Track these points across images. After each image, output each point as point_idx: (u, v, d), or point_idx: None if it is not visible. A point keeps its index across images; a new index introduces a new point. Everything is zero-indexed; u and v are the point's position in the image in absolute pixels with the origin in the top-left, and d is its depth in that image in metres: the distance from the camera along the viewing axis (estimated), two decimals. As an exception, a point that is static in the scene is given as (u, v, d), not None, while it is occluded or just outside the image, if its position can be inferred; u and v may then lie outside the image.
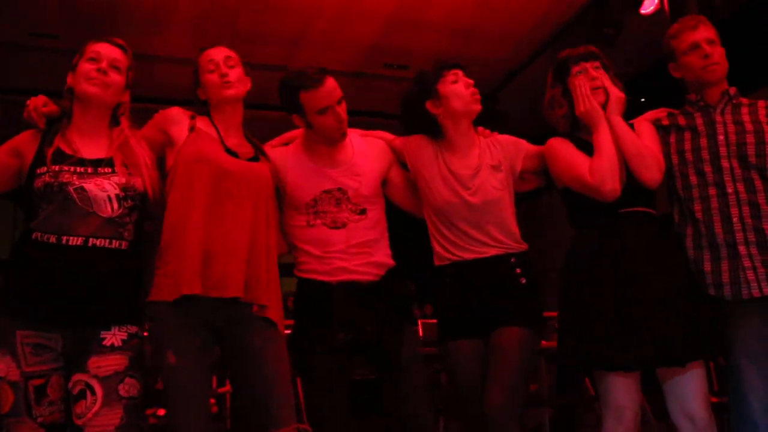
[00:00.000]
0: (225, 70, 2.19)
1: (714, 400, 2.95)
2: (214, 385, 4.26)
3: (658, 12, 5.01)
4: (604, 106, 2.22)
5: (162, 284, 2.00)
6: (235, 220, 2.06)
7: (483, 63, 6.37)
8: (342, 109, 2.27)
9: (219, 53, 2.23)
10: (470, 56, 6.34)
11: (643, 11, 5.14)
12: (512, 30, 5.93)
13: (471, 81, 2.35)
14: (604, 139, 2.17)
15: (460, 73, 2.35)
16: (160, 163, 2.18)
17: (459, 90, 2.32)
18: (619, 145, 2.17)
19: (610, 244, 2.13)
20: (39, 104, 2.04)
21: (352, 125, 2.41)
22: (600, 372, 2.14)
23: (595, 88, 2.24)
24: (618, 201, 2.14)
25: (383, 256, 2.32)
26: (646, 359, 2.01)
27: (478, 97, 2.34)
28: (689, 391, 2.08)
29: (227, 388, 4.22)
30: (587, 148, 2.21)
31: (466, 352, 2.26)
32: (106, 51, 2.05)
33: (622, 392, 2.11)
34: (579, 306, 2.13)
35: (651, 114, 2.39)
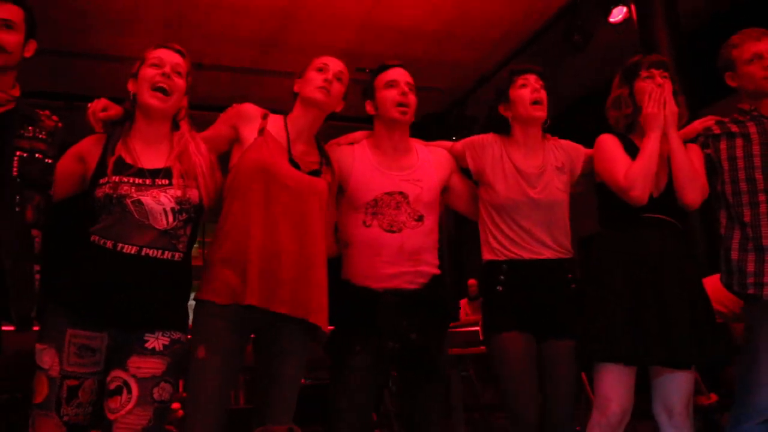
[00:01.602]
0: (331, 78, 2.22)
1: (715, 397, 3.07)
2: (181, 389, 4.22)
3: (627, 20, 5.11)
4: None
5: (212, 287, 2.02)
6: (286, 233, 2.07)
7: (455, 67, 6.45)
8: (410, 96, 2.35)
9: (336, 64, 2.28)
10: (442, 60, 6.41)
11: (612, 20, 5.23)
12: (485, 35, 5.99)
13: (538, 86, 2.39)
14: (651, 146, 2.22)
15: (531, 78, 2.40)
16: (224, 159, 2.19)
17: (524, 96, 2.38)
18: (672, 159, 2.23)
19: (633, 248, 2.20)
20: (98, 109, 2.05)
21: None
22: (598, 365, 2.19)
23: (536, 101, 2.33)
24: (650, 207, 2.20)
25: (431, 265, 2.34)
26: (654, 359, 2.09)
27: (541, 104, 2.38)
28: (674, 388, 2.16)
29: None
30: (634, 151, 2.27)
31: (521, 343, 2.27)
32: (168, 57, 2.07)
33: (612, 386, 2.15)
34: (604, 299, 2.18)
35: (700, 123, 2.44)
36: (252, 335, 2.12)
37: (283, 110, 2.32)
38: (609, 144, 2.33)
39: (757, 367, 2.13)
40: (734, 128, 2.33)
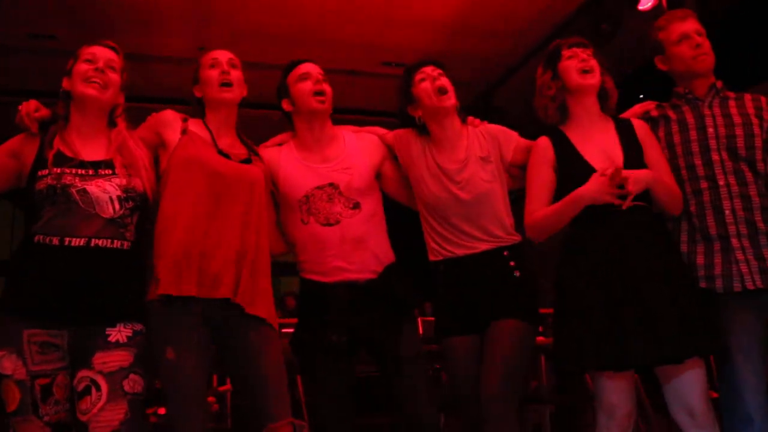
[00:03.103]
0: (227, 68, 2.21)
1: (714, 395, 2.97)
2: (215, 383, 4.26)
3: (656, 8, 5.01)
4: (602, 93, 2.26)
5: (161, 283, 2.01)
6: (226, 221, 2.08)
7: (481, 60, 6.38)
8: (324, 85, 2.34)
9: (223, 54, 2.28)
10: (468, 53, 6.36)
11: (641, 7, 5.13)
12: (511, 27, 5.92)
13: (436, 74, 2.33)
14: (560, 207, 2.17)
15: (427, 70, 2.34)
16: (155, 164, 2.20)
17: (426, 88, 2.31)
18: (654, 194, 2.15)
19: (604, 242, 2.12)
20: (31, 109, 2.05)
21: (350, 123, 2.42)
22: (594, 374, 2.15)
23: (585, 70, 2.24)
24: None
25: (381, 251, 2.32)
26: (639, 358, 2.00)
27: (446, 92, 2.31)
28: (688, 386, 2.08)
29: (228, 386, 4.23)
30: (569, 152, 2.21)
31: (462, 349, 2.26)
32: (101, 52, 2.08)
33: (614, 391, 2.11)
34: (573, 304, 2.13)
35: (639, 107, 2.39)
36: (214, 343, 2.10)
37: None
38: (534, 166, 2.26)
39: (734, 370, 2.06)
40: (671, 113, 2.26)
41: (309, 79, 2.35)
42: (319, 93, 2.34)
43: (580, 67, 2.25)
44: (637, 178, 2.07)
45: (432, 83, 2.32)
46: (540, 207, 2.22)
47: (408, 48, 6.04)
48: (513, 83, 6.77)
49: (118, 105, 2.13)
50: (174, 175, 2.12)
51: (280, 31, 5.63)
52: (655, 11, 5.00)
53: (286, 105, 2.41)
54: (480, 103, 7.23)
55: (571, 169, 2.21)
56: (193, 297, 1.99)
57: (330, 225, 2.26)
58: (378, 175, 2.44)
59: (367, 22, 5.66)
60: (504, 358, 2.16)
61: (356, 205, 2.29)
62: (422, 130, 2.39)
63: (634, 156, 2.20)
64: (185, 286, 1.97)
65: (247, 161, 2.23)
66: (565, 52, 2.29)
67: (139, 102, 2.30)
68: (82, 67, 2.06)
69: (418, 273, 2.38)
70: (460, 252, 2.29)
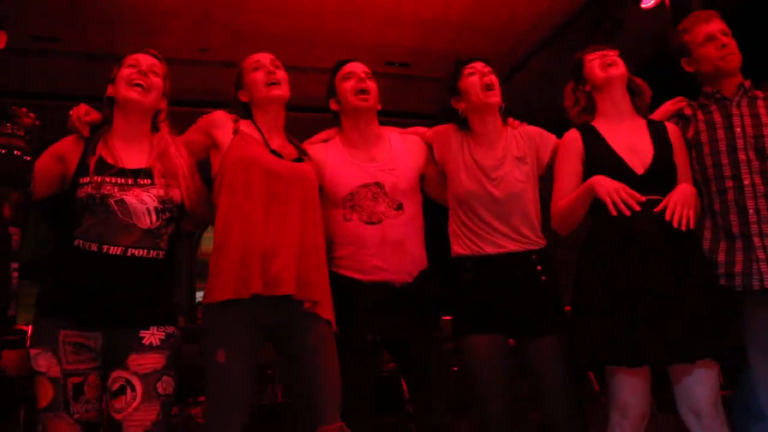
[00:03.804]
0: (272, 68, 2.25)
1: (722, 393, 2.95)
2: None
3: (659, 6, 5.00)
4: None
5: (219, 285, 2.02)
6: (285, 220, 2.09)
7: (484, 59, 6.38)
8: (368, 83, 2.38)
9: (265, 56, 2.31)
10: (471, 52, 6.35)
11: (644, 5, 5.13)
12: (513, 26, 5.91)
13: (486, 71, 2.37)
14: (577, 194, 2.18)
15: (477, 65, 2.38)
16: (204, 166, 2.23)
17: (474, 82, 2.34)
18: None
19: (620, 238, 2.11)
20: (81, 113, 2.10)
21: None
22: (609, 368, 2.13)
23: (608, 63, 2.28)
24: (634, 188, 2.12)
25: (417, 255, 2.33)
26: (651, 356, 1.99)
27: (493, 89, 2.35)
28: (697, 387, 2.06)
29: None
30: (597, 144, 2.21)
31: (486, 348, 2.24)
32: (144, 59, 2.14)
33: (628, 390, 2.10)
34: (587, 300, 2.12)
35: (672, 103, 2.39)
36: (270, 341, 2.12)
37: (316, 106, 2.33)
38: (562, 158, 2.29)
39: (750, 368, 2.06)
40: (699, 113, 2.26)
41: (353, 78, 2.39)
42: (362, 91, 2.37)
43: (603, 61, 2.28)
44: (684, 201, 2.07)
45: (480, 78, 2.36)
46: (564, 198, 2.23)
47: (409, 47, 6.05)
48: (515, 83, 6.77)
49: (161, 110, 2.17)
50: (229, 176, 2.13)
51: (280, 32, 5.63)
52: (657, 9, 5.00)
53: (333, 104, 2.45)
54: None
55: (600, 159, 2.21)
56: (258, 296, 2.00)
57: (372, 224, 2.28)
58: (421, 177, 2.46)
59: (368, 22, 5.67)
60: (558, 379, 2.21)
61: (399, 206, 2.31)
62: (463, 125, 2.42)
63: (664, 155, 2.20)
64: (251, 287, 1.98)
65: (299, 160, 2.25)
66: (588, 56, 2.34)
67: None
68: (125, 71, 2.11)
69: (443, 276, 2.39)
70: (489, 249, 2.29)
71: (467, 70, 2.39)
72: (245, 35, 5.67)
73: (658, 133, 2.26)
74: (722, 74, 2.28)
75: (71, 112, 2.10)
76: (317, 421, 2.01)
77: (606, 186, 2.08)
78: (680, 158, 2.24)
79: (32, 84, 5.62)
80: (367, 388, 2.27)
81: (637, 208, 2.06)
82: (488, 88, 2.34)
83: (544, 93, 2.46)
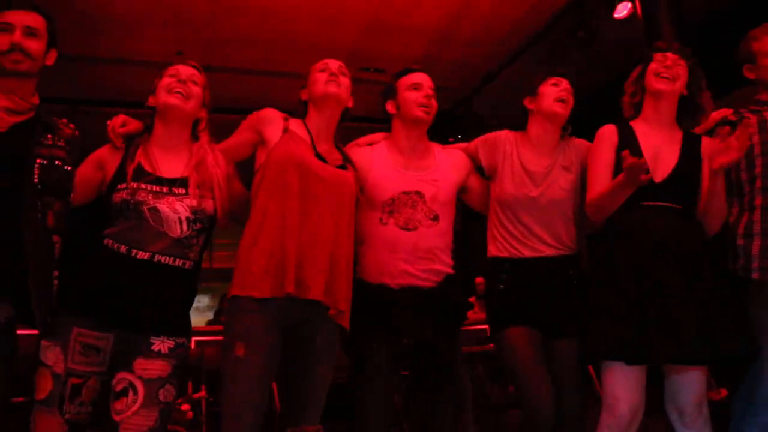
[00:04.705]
0: (337, 72, 2.29)
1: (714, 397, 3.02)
2: (190, 390, 4.24)
3: (632, 16, 5.09)
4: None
5: (250, 281, 2.02)
6: (321, 224, 2.10)
7: (460, 66, 6.44)
8: (432, 100, 2.41)
9: (333, 62, 2.32)
10: (447, 59, 6.40)
11: (617, 15, 5.22)
12: (489, 34, 5.99)
13: (568, 90, 2.41)
14: (613, 185, 2.17)
15: (563, 81, 2.43)
16: (246, 164, 2.24)
17: (552, 93, 2.40)
18: (711, 201, 2.19)
19: (635, 241, 2.15)
20: (117, 125, 2.12)
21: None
22: (605, 364, 2.15)
23: (663, 75, 2.27)
24: (652, 194, 2.16)
25: (445, 264, 2.36)
26: (657, 357, 2.03)
27: (564, 103, 2.39)
28: (683, 386, 2.13)
29: (203, 393, 4.20)
30: (631, 142, 2.24)
31: (525, 335, 2.28)
32: (184, 69, 2.16)
33: (620, 385, 2.12)
34: (600, 298, 2.16)
35: (718, 113, 2.42)
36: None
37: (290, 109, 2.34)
38: (598, 148, 2.32)
39: (763, 356, 2.10)
40: (749, 116, 2.32)
41: (420, 90, 2.41)
42: (426, 106, 2.40)
43: (659, 71, 2.29)
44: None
45: (559, 91, 2.41)
46: (599, 186, 2.25)
47: (385, 53, 6.09)
48: (492, 89, 6.84)
49: (201, 119, 2.18)
50: (272, 173, 2.13)
51: (255, 36, 5.65)
52: (630, 19, 5.09)
53: (390, 107, 2.46)
54: (461, 107, 7.30)
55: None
56: (286, 297, 2.00)
57: (408, 230, 2.30)
58: (461, 190, 2.51)
59: (344, 27, 5.70)
60: (572, 376, 2.29)
61: (436, 218, 2.34)
62: (522, 122, 2.48)
63: (688, 165, 2.24)
64: (285, 287, 1.99)
65: (342, 167, 2.26)
66: (656, 55, 2.34)
67: (116, 107, 2.28)
68: (165, 81, 2.12)
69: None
70: (527, 253, 2.34)
71: (553, 80, 2.44)
72: (222, 40, 5.68)
73: (690, 145, 2.29)
74: None
75: (108, 122, 2.12)
76: (299, 420, 2.04)
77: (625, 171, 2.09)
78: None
79: None
80: (392, 393, 2.33)
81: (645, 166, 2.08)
82: (561, 100, 2.40)
83: (519, 101, 2.49)
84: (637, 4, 4.93)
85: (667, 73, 2.27)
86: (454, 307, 2.37)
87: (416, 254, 2.29)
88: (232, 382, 1.98)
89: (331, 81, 2.26)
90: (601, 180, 2.25)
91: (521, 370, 2.26)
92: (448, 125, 7.09)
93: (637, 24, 4.90)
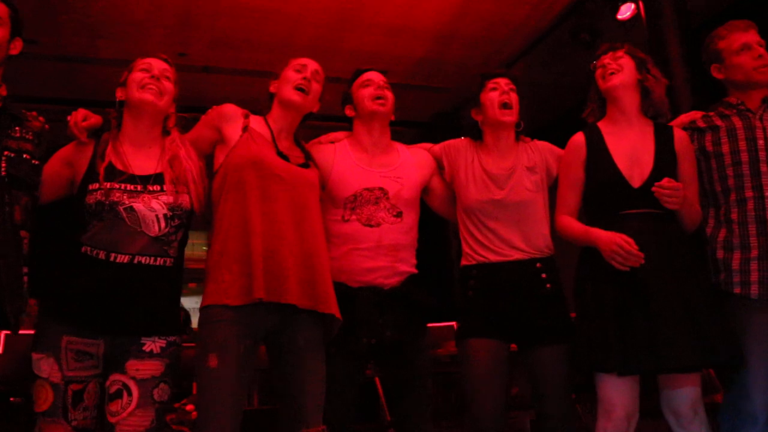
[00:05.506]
0: (310, 77, 2.28)
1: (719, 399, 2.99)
2: (194, 391, 4.23)
3: (635, 17, 5.07)
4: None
5: (221, 290, 1.99)
6: (287, 224, 2.07)
7: (462, 67, 6.42)
8: (386, 91, 2.42)
9: (312, 64, 2.32)
10: (449, 60, 6.39)
11: (620, 17, 5.20)
12: (491, 36, 5.97)
13: (507, 88, 2.41)
14: (589, 235, 2.19)
15: (501, 81, 2.42)
16: (208, 160, 2.20)
17: (492, 98, 2.40)
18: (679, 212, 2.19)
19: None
20: (79, 119, 2.06)
21: (334, 130, 2.45)
22: (597, 372, 2.15)
23: (610, 72, 2.29)
24: (631, 201, 2.16)
25: (408, 264, 2.35)
26: (640, 365, 2.03)
27: (510, 108, 2.39)
28: (677, 391, 2.13)
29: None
30: (599, 147, 2.25)
31: (486, 351, 2.26)
32: (156, 63, 2.14)
33: (615, 391, 2.11)
34: (585, 308, 2.16)
35: (686, 116, 2.41)
36: (263, 344, 2.10)
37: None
38: (566, 163, 2.34)
39: (747, 371, 2.08)
40: (719, 122, 2.28)
41: (371, 85, 2.43)
42: (380, 97, 2.40)
43: (602, 72, 2.30)
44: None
45: (499, 96, 2.39)
46: (567, 207, 2.29)
47: (387, 55, 6.08)
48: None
49: (171, 114, 2.15)
50: (234, 176, 2.10)
51: (258, 37, 5.65)
52: (634, 20, 5.07)
53: (348, 111, 2.48)
54: (462, 109, 7.28)
55: (599, 171, 2.25)
56: (255, 303, 1.97)
57: (371, 226, 2.29)
58: (425, 190, 2.50)
59: (346, 29, 5.69)
60: (557, 384, 2.25)
61: (399, 215, 2.33)
62: (476, 135, 2.47)
63: (664, 165, 2.21)
64: (253, 293, 1.95)
65: (305, 165, 2.24)
66: (597, 62, 2.35)
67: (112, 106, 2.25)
68: (137, 75, 2.09)
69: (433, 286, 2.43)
70: (493, 258, 2.32)
71: (490, 85, 2.43)
72: (224, 41, 5.68)
73: (663, 140, 2.26)
74: (753, 85, 2.29)
75: (69, 118, 2.06)
76: (300, 424, 2.01)
77: (606, 250, 2.10)
78: (685, 166, 2.25)
79: (9, 86, 5.56)
80: (353, 393, 2.28)
81: (641, 262, 2.06)
82: (505, 106, 2.38)
83: (522, 101, 2.47)
84: (641, 5, 4.91)
85: (609, 70, 2.27)
86: (417, 307, 2.32)
87: (379, 251, 2.27)
88: (207, 393, 1.96)
89: (300, 88, 2.24)
90: (569, 200, 2.29)
91: (470, 383, 2.26)
92: (449, 126, 7.09)
93: (640, 25, 4.89)
